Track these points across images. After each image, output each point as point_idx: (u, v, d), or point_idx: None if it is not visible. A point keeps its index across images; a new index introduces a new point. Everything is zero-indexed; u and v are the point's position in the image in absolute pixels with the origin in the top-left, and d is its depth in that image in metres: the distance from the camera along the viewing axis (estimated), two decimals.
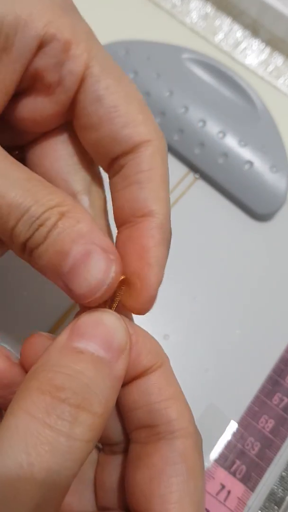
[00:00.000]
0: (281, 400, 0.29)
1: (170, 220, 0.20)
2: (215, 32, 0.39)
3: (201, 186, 0.33)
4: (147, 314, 0.28)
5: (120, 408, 0.18)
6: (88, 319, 0.16)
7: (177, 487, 0.16)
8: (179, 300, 0.30)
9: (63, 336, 0.15)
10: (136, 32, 0.36)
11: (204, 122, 0.32)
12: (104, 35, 0.35)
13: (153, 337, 0.18)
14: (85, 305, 0.16)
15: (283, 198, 0.32)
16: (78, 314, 0.17)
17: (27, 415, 0.13)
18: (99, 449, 0.20)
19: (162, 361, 0.18)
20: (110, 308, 0.17)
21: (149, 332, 0.28)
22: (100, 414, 0.14)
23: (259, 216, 0.32)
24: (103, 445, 0.19)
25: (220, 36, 0.39)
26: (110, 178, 0.20)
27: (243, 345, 0.29)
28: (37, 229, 0.16)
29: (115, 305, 0.17)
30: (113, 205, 0.19)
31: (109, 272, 0.16)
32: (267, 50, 0.39)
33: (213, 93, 0.33)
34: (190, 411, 0.18)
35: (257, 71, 0.39)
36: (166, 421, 0.17)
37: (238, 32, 0.39)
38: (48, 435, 0.13)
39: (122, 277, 0.17)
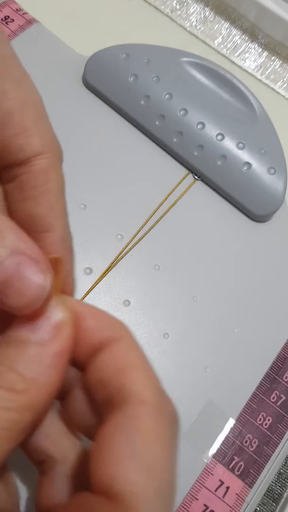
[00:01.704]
0: (279, 397, 0.29)
1: (69, 228, 0.19)
2: (214, 36, 0.40)
3: (200, 187, 0.34)
4: (147, 313, 0.29)
5: (88, 389, 0.18)
6: (22, 310, 0.16)
7: (124, 449, 0.14)
8: (178, 299, 0.30)
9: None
10: (136, 36, 0.37)
11: (203, 124, 0.32)
12: (104, 39, 0.35)
13: (102, 310, 0.18)
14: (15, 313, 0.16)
15: (280, 200, 0.32)
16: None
17: None
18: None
19: (119, 334, 0.17)
20: None
21: (149, 331, 0.29)
22: (22, 390, 0.14)
23: (257, 217, 0.33)
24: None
25: (219, 39, 0.40)
26: (3, 183, 0.19)
27: (241, 343, 0.30)
28: None
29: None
30: (11, 215, 0.19)
31: (46, 285, 0.15)
32: (266, 53, 0.40)
33: (212, 96, 0.34)
34: (156, 380, 0.16)
35: (256, 74, 0.39)
36: (119, 392, 0.16)
37: (237, 36, 0.40)
38: None
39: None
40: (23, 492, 0.24)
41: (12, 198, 0.19)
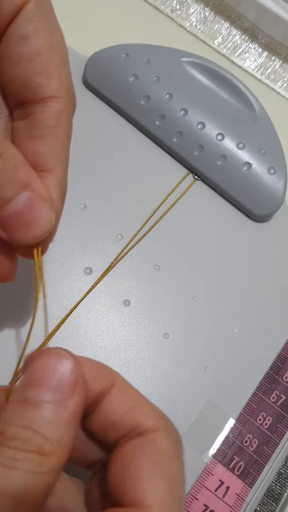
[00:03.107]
0: (279, 397, 0.29)
1: (67, 177, 0.20)
2: (214, 36, 0.40)
3: (200, 187, 0.34)
4: (147, 313, 0.29)
5: (93, 433, 0.19)
6: (36, 366, 0.16)
7: (148, 468, 0.16)
8: (178, 299, 0.30)
9: (18, 388, 0.16)
10: (136, 36, 0.37)
11: (203, 124, 0.32)
12: (104, 39, 0.35)
13: (95, 360, 0.18)
14: (18, 245, 0.18)
15: (280, 200, 0.32)
16: (26, 360, 0.17)
17: None
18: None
19: (112, 379, 0.18)
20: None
21: (149, 331, 0.29)
22: (50, 452, 0.15)
23: (257, 217, 0.33)
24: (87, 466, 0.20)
25: (219, 39, 0.40)
26: (13, 120, 0.20)
27: (241, 343, 0.30)
28: None
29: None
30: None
31: (52, 220, 0.17)
32: (266, 53, 0.40)
33: (212, 96, 0.34)
34: (157, 408, 0.18)
35: (256, 74, 0.39)
36: (134, 426, 0.17)
37: (237, 36, 0.40)
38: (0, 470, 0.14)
39: None
40: None
41: (20, 135, 0.20)
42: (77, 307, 0.28)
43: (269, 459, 0.28)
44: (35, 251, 0.19)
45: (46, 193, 0.18)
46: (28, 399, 0.16)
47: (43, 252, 0.19)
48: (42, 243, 0.19)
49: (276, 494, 0.28)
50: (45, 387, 0.16)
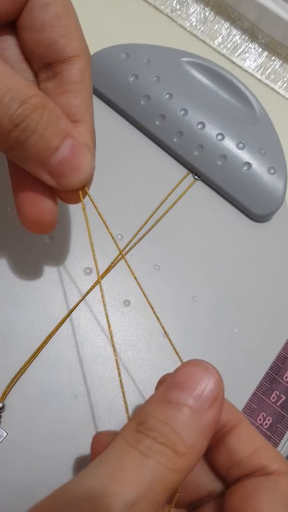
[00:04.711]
0: (279, 397, 0.29)
1: (94, 126, 0.22)
2: (214, 36, 0.40)
3: (200, 187, 0.34)
4: (147, 313, 0.29)
5: (215, 466, 0.20)
6: (183, 372, 0.17)
7: (271, 505, 0.17)
8: (178, 299, 0.30)
9: (160, 389, 0.17)
10: (136, 36, 0.37)
11: (203, 124, 0.32)
12: (104, 39, 0.35)
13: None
14: (64, 190, 0.20)
15: (281, 200, 0.32)
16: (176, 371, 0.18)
17: (123, 441, 0.16)
18: None
19: (238, 417, 0.19)
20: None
21: (149, 331, 0.29)
22: (182, 454, 0.16)
23: (257, 217, 0.33)
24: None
25: (219, 39, 0.40)
26: (40, 81, 0.22)
27: (241, 343, 0.30)
28: (23, 120, 0.18)
29: None
30: None
31: (94, 165, 0.20)
32: (266, 53, 0.40)
33: (212, 96, 0.34)
34: (282, 455, 0.19)
35: (256, 74, 0.39)
36: (260, 467, 0.18)
37: (237, 36, 0.40)
38: (138, 455, 0.15)
39: None
40: None
41: (50, 93, 0.21)
42: (77, 307, 0.28)
43: None
44: (80, 193, 0.21)
45: (84, 140, 0.20)
46: (171, 399, 0.17)
47: (85, 195, 0.22)
48: (85, 186, 0.21)
49: None
50: (188, 392, 0.17)
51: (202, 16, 0.40)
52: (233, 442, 0.19)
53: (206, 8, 0.40)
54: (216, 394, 0.17)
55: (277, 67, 0.39)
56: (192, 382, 0.17)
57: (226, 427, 0.19)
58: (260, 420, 0.28)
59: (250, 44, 0.40)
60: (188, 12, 0.40)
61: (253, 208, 0.32)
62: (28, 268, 0.29)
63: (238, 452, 0.18)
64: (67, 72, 0.21)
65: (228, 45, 0.39)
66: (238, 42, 0.40)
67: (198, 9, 0.40)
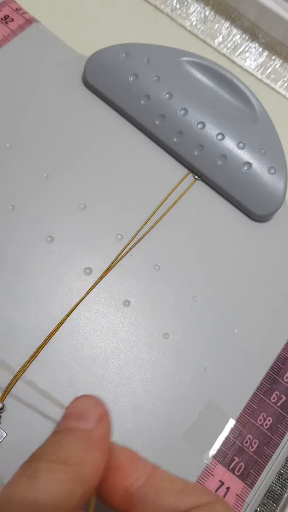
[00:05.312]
0: (279, 398, 0.29)
1: None
2: (214, 36, 0.39)
3: (200, 187, 0.33)
4: (147, 313, 0.29)
5: None
6: (68, 407, 0.19)
7: None
8: (178, 299, 0.30)
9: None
10: (136, 35, 0.37)
11: (203, 124, 0.32)
12: (104, 39, 0.35)
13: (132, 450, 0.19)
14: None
15: (281, 199, 0.32)
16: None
17: (14, 475, 0.17)
18: None
19: (150, 467, 0.19)
20: None
21: (149, 331, 0.29)
22: (74, 463, 0.16)
23: (258, 217, 0.33)
24: None
25: (219, 39, 0.39)
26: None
27: (241, 343, 0.30)
28: None
29: None
30: None
31: None
32: (266, 53, 0.40)
33: (212, 95, 0.34)
34: (206, 488, 0.20)
35: (256, 74, 0.39)
36: (190, 507, 0.18)
37: (237, 35, 0.40)
38: (25, 481, 0.16)
39: None
40: None
41: None
42: (77, 307, 0.28)
43: (269, 460, 0.28)
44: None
45: None
46: (56, 429, 0.18)
47: None
48: None
49: (277, 494, 0.28)
50: (70, 418, 0.18)
51: (202, 15, 0.40)
52: (154, 493, 0.18)
53: (206, 8, 0.40)
54: (100, 414, 0.18)
55: (277, 66, 0.39)
56: (74, 409, 0.18)
57: (139, 481, 0.18)
58: (260, 420, 0.28)
59: (250, 44, 0.40)
60: (188, 11, 0.40)
61: (253, 208, 0.32)
62: (28, 268, 0.29)
63: (162, 499, 0.18)
64: None
65: (228, 45, 0.39)
66: (238, 41, 0.40)
67: (198, 9, 0.40)
